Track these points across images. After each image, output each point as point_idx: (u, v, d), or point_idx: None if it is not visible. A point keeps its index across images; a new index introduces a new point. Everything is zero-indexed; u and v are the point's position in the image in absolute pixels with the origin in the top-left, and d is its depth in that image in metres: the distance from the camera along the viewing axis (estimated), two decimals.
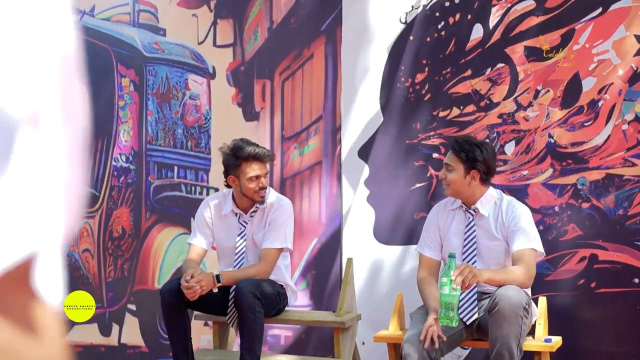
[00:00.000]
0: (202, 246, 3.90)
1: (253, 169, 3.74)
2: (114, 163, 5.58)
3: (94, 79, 5.67)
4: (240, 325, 3.58)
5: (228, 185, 3.90)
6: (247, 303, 3.49)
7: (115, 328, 5.51)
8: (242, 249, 3.85)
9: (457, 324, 3.02)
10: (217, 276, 3.61)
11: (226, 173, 3.83)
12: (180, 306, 3.62)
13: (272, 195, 3.89)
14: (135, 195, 5.48)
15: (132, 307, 5.46)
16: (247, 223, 3.85)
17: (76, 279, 5.68)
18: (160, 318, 4.89)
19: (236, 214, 3.89)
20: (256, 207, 3.84)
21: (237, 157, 3.75)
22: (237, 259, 3.84)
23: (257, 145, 3.80)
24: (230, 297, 3.68)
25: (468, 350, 4.27)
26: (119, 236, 5.53)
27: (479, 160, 3.49)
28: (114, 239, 5.55)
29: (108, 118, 5.61)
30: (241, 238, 3.85)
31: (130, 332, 5.45)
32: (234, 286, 3.62)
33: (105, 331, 5.54)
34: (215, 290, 3.63)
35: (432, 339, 3.22)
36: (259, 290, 3.55)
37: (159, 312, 4.29)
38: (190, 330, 3.72)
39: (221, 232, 3.91)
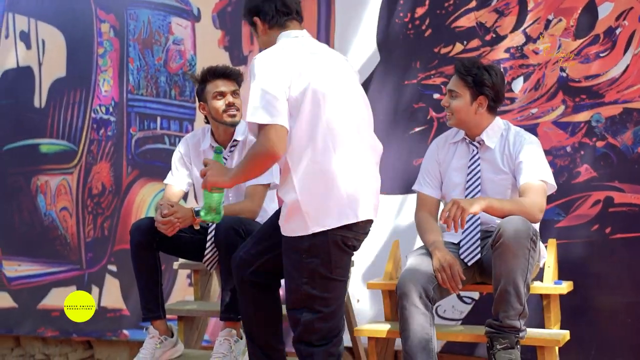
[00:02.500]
0: (180, 187, 3.55)
1: (217, 85, 3.43)
2: (93, 115, 5.24)
3: (71, 25, 5.34)
4: (220, 265, 3.22)
5: (207, 121, 3.55)
6: (228, 239, 3.13)
7: (95, 290, 5.18)
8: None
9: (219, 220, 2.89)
10: (198, 211, 3.26)
11: (198, 102, 3.51)
12: (151, 246, 3.27)
13: (244, 125, 3.53)
14: (116, 148, 5.15)
15: (113, 268, 5.13)
16: (226, 159, 3.50)
17: (53, 240, 5.35)
18: None
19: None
20: (235, 140, 3.49)
21: (202, 80, 3.48)
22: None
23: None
24: (208, 237, 3.33)
25: (471, 305, 3.92)
26: (99, 193, 5.19)
27: (487, 85, 3.13)
28: (94, 196, 5.21)
29: (86, 67, 5.26)
30: None
31: (111, 295, 5.12)
32: (213, 224, 3.27)
33: None
34: (197, 227, 3.29)
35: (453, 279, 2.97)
36: (242, 227, 3.20)
37: None
38: (162, 275, 3.37)
39: (199, 170, 3.56)
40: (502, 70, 3.35)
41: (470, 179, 3.20)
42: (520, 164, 3.11)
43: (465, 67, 3.18)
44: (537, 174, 3.07)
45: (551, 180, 3.10)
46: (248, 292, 2.91)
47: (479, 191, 3.17)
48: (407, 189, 4.15)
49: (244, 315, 2.97)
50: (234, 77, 3.47)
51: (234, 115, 3.44)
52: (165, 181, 3.60)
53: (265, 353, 2.93)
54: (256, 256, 2.88)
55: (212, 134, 3.55)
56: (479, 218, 3.14)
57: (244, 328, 3.02)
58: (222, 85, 3.42)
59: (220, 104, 3.41)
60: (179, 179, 3.56)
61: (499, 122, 3.25)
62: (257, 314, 2.92)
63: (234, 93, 3.45)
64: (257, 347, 2.94)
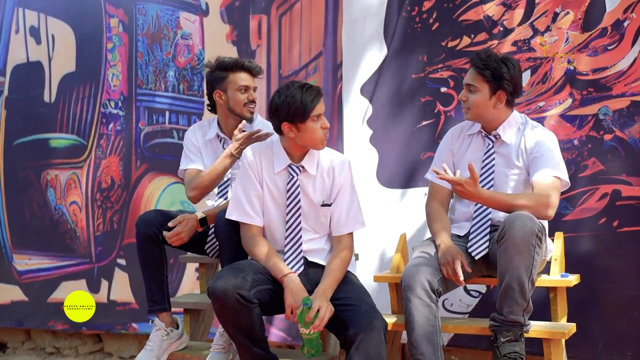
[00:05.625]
0: (200, 168, 3.50)
1: (242, 79, 3.43)
2: (102, 109, 5.26)
3: (81, 20, 5.37)
4: (220, 259, 3.23)
5: (212, 110, 3.53)
6: (226, 233, 3.12)
7: (104, 284, 5.21)
8: (226, 176, 3.47)
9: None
10: (202, 220, 3.28)
11: (211, 90, 3.48)
12: (157, 238, 3.29)
13: (258, 121, 3.53)
14: (125, 143, 5.17)
15: (122, 261, 5.15)
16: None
17: (63, 234, 5.38)
18: None
19: (221, 140, 3.53)
20: (242, 131, 3.48)
21: (224, 68, 3.45)
22: (221, 187, 3.47)
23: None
24: (210, 232, 3.35)
25: (478, 298, 3.92)
26: (108, 187, 5.22)
27: (506, 78, 3.08)
28: (103, 190, 5.24)
29: (96, 62, 5.29)
30: None
31: (120, 288, 5.15)
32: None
33: (94, 287, 5.24)
34: (199, 230, 3.32)
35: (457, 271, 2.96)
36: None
37: None
38: (167, 267, 3.38)
39: (207, 159, 3.55)
40: (518, 61, 3.26)
41: (484, 173, 3.17)
42: (535, 159, 3.07)
43: (483, 61, 3.10)
44: (552, 170, 3.03)
45: (565, 177, 3.07)
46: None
47: (491, 186, 3.14)
48: (414, 183, 4.15)
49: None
50: (256, 73, 3.48)
51: (252, 112, 3.46)
52: (183, 167, 3.53)
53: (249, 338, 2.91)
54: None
55: (218, 123, 3.54)
56: (489, 213, 3.13)
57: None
58: (247, 80, 3.44)
59: (242, 97, 3.42)
60: (198, 162, 3.50)
61: (516, 116, 3.21)
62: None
63: (254, 89, 3.48)
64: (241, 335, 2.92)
